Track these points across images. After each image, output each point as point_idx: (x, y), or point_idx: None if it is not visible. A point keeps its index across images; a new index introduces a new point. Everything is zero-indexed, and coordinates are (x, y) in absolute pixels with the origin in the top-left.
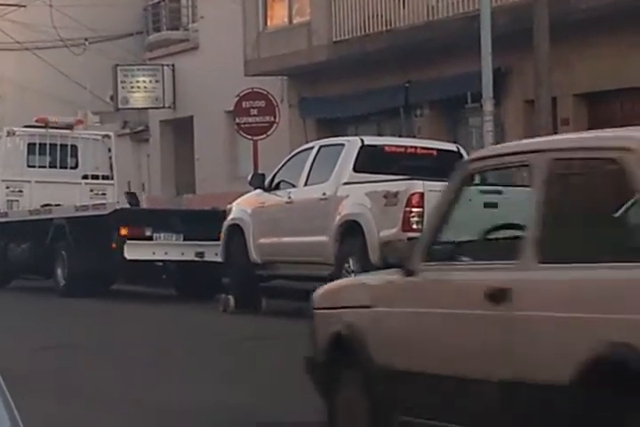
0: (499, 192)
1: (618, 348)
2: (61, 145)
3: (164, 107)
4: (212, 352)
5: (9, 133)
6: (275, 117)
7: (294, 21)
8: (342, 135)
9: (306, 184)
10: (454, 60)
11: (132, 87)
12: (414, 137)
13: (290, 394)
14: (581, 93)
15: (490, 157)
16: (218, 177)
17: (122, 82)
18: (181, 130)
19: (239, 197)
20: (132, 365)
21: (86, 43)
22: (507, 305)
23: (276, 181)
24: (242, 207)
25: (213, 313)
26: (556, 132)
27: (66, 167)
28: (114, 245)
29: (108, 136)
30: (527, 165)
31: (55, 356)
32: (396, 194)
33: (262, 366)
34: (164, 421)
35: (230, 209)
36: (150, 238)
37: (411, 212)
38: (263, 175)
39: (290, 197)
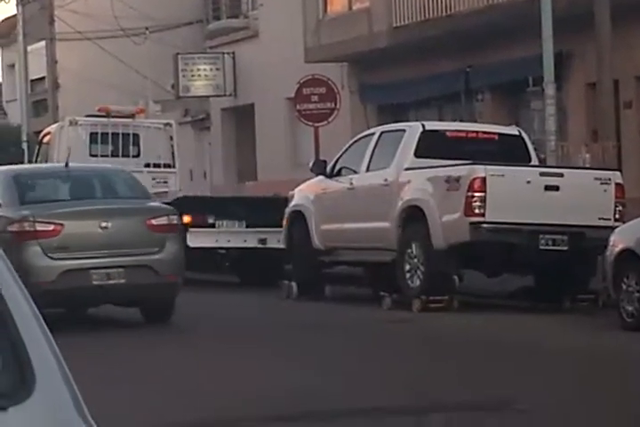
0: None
1: None
2: (123, 134)
3: (224, 95)
4: (278, 339)
5: (71, 123)
6: (335, 104)
7: (354, 7)
8: (403, 121)
9: (367, 170)
10: (515, 43)
11: (192, 75)
12: (475, 121)
13: (361, 380)
14: None
15: None
16: (279, 164)
17: (183, 70)
18: (242, 117)
19: (301, 183)
20: (197, 351)
21: (147, 32)
22: None
23: (337, 167)
24: (304, 194)
25: (276, 300)
26: (618, 115)
27: (128, 156)
28: None
29: (169, 124)
30: None
31: (120, 342)
32: (457, 179)
33: (328, 353)
34: (234, 406)
35: (292, 196)
36: (213, 226)
37: (473, 196)
38: (325, 162)
39: (352, 184)
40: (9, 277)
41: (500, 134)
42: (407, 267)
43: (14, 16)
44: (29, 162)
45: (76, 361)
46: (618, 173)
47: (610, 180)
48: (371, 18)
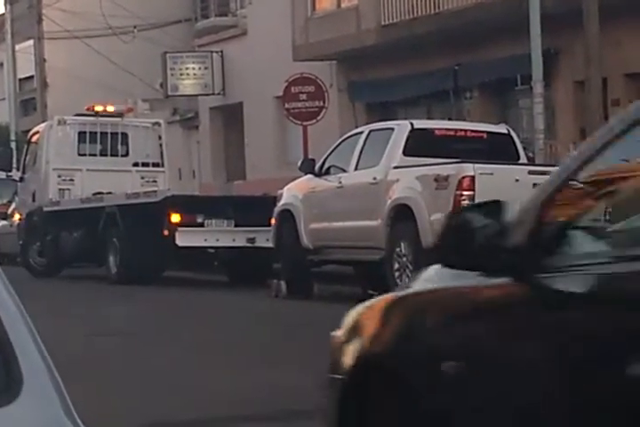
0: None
1: None
2: (112, 133)
3: (213, 93)
4: (265, 338)
5: (60, 122)
6: (324, 102)
7: (342, 5)
8: (392, 119)
9: (356, 169)
10: (503, 41)
11: (181, 74)
12: (464, 120)
13: None
14: (632, 73)
15: None
16: (268, 163)
17: (171, 69)
18: (231, 116)
19: (290, 182)
20: (185, 351)
21: (135, 30)
22: None
23: (326, 166)
24: (292, 193)
25: (265, 299)
26: (606, 113)
27: (116, 155)
28: (165, 233)
29: (158, 123)
30: None
31: (109, 342)
32: (446, 177)
33: (316, 351)
34: (219, 406)
35: (281, 195)
36: (202, 225)
37: (462, 195)
38: (313, 160)
39: (340, 182)
40: None
41: (488, 133)
42: (396, 265)
43: (2, 15)
44: (18, 161)
45: (66, 367)
46: None
47: None
48: (359, 16)
